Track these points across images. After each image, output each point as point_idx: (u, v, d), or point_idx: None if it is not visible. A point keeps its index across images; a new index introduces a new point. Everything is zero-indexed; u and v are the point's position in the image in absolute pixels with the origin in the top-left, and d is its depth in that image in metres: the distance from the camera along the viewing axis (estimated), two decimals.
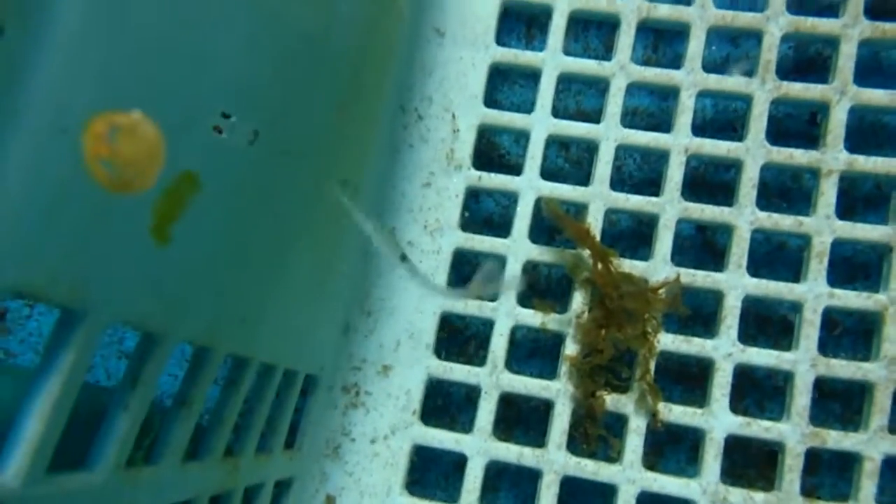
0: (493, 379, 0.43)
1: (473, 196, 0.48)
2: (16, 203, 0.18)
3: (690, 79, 0.44)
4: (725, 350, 0.42)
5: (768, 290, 0.42)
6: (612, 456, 0.42)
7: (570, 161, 0.49)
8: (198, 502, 0.30)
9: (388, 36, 0.43)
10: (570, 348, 0.43)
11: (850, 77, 0.43)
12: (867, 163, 0.43)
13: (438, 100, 0.47)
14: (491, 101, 0.48)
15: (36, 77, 0.17)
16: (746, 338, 0.42)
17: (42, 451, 0.20)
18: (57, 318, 0.21)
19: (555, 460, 0.42)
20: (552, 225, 0.44)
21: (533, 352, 0.47)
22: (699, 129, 0.45)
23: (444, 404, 0.47)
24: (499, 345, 0.43)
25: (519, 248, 0.44)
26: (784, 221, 0.43)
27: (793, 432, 0.41)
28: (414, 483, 0.45)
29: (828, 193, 0.43)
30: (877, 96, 0.43)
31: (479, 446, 0.42)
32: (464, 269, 0.47)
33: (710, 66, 0.45)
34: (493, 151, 0.49)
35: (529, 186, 0.45)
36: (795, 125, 0.47)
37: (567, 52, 0.46)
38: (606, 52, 0.49)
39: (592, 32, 0.50)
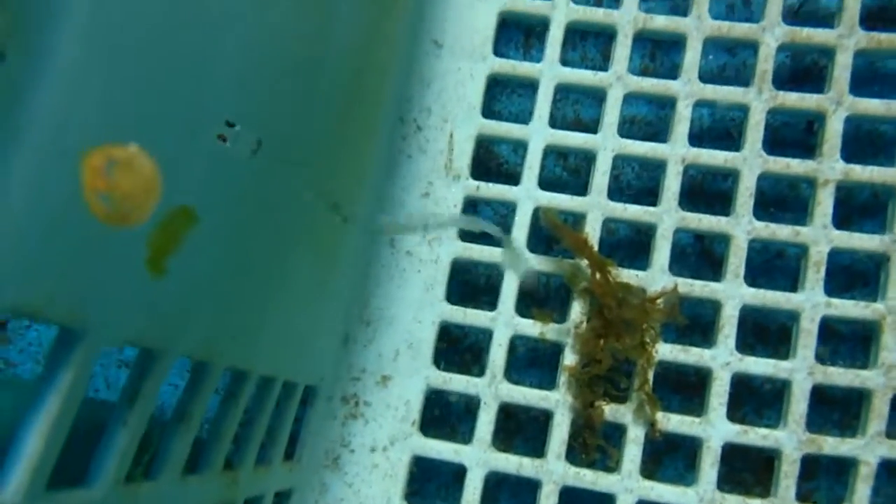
0: (493, 389, 0.43)
1: (472, 205, 0.48)
2: (18, 221, 0.18)
3: (687, 89, 0.45)
4: (723, 359, 0.42)
5: (766, 299, 0.42)
6: (610, 466, 0.42)
7: (569, 170, 0.49)
8: None
9: (386, 48, 0.43)
10: (569, 358, 0.43)
11: (845, 87, 0.43)
12: (864, 172, 0.43)
13: (437, 111, 0.47)
14: (489, 111, 0.49)
15: (37, 101, 0.18)
16: (744, 347, 0.42)
17: (41, 468, 0.20)
18: (56, 336, 0.21)
19: (554, 470, 0.42)
20: (550, 234, 0.44)
21: (532, 362, 0.47)
22: (696, 138, 0.45)
23: (444, 415, 0.47)
24: (498, 355, 0.43)
25: None
26: (781, 231, 0.43)
27: (789, 439, 0.41)
28: (413, 494, 0.45)
29: (825, 203, 0.43)
30: (873, 106, 0.43)
31: (479, 457, 0.42)
32: (462, 277, 0.47)
33: (706, 76, 0.45)
34: (492, 160, 0.49)
35: (527, 196, 0.45)
36: (792, 134, 0.47)
37: (565, 62, 0.46)
38: (604, 62, 0.49)
39: (590, 42, 0.50)
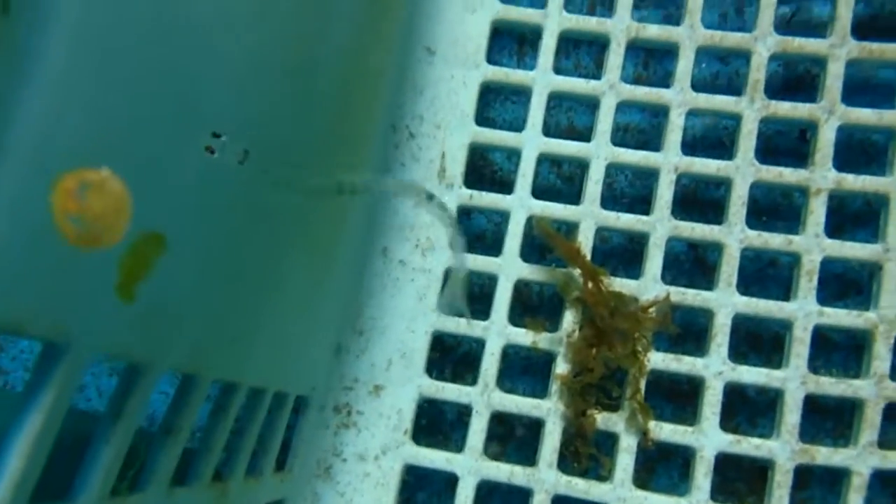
0: (485, 398, 0.43)
1: (465, 214, 0.48)
2: (1, 235, 0.18)
3: (680, 98, 0.45)
4: (716, 368, 0.42)
5: (758, 308, 0.42)
6: (602, 474, 0.42)
7: (563, 177, 0.49)
8: None
9: (379, 55, 0.43)
10: (561, 367, 0.43)
11: (837, 96, 0.43)
12: (856, 181, 0.43)
13: (430, 118, 0.47)
14: (482, 118, 0.49)
15: (21, 115, 0.17)
16: (737, 356, 0.42)
17: (23, 484, 0.20)
18: (41, 351, 0.21)
19: (545, 479, 0.41)
20: (543, 243, 0.44)
21: (524, 370, 0.47)
22: (689, 146, 0.45)
23: (436, 423, 0.47)
24: (490, 363, 0.43)
25: (510, 267, 0.44)
26: (774, 240, 0.43)
27: (782, 449, 0.41)
28: (405, 502, 0.45)
29: (817, 212, 0.43)
30: (865, 115, 0.43)
31: (471, 465, 0.42)
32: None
33: (699, 85, 0.45)
34: (486, 168, 0.49)
35: (521, 205, 0.45)
36: (785, 143, 0.47)
37: (558, 70, 0.46)
38: (597, 70, 0.49)
39: (583, 50, 0.50)
